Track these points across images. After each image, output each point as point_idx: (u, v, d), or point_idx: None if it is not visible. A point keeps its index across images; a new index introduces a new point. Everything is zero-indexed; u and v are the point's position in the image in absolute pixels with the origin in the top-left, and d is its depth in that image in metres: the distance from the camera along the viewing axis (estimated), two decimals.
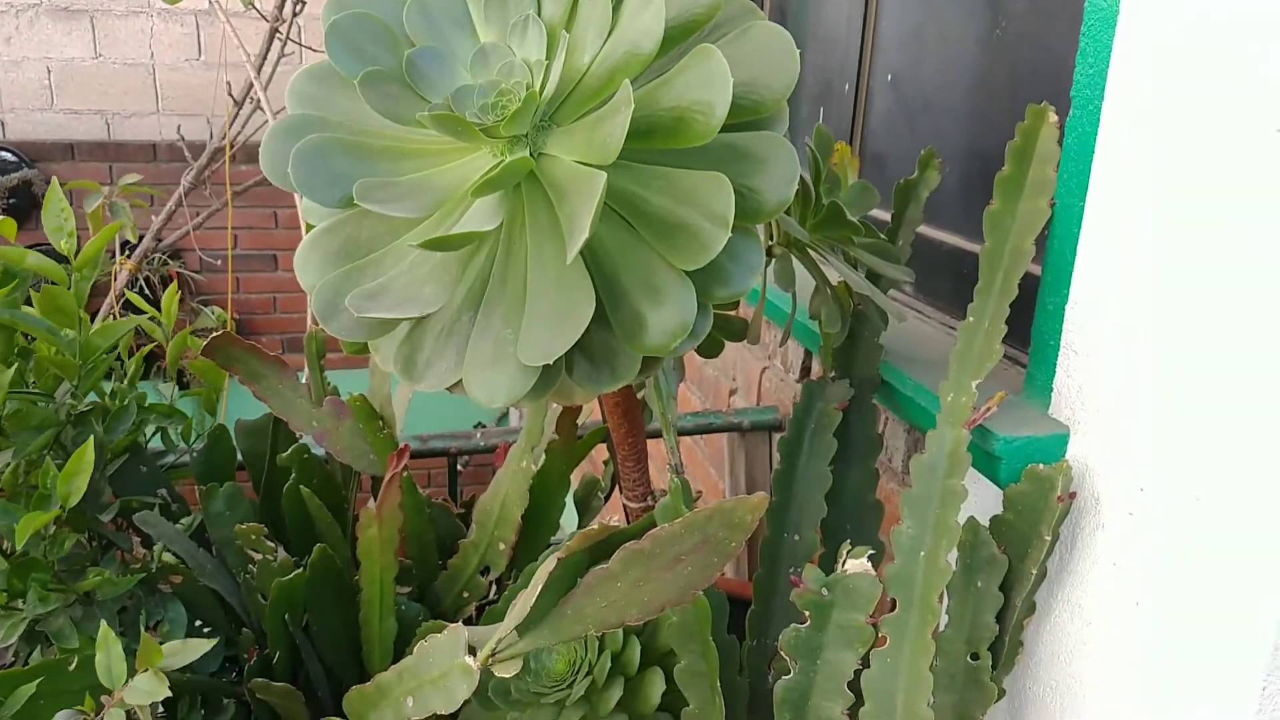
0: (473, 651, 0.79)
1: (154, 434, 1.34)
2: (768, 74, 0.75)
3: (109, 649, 0.92)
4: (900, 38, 1.43)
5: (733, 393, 2.04)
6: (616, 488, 1.23)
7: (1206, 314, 0.75)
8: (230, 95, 2.59)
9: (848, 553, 0.88)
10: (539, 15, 0.77)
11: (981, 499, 0.98)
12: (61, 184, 1.20)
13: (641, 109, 0.74)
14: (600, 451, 1.39)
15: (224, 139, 2.59)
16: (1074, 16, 0.89)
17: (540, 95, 0.75)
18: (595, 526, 0.71)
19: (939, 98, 1.35)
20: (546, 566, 0.73)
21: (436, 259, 0.77)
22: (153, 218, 2.73)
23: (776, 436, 1.64)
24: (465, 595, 1.15)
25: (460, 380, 0.76)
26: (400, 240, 0.79)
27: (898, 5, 1.43)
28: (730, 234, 0.71)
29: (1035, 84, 1.17)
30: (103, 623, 0.94)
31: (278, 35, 2.44)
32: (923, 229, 1.29)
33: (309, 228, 0.85)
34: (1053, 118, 0.90)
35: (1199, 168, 0.75)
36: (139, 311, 1.44)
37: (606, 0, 0.74)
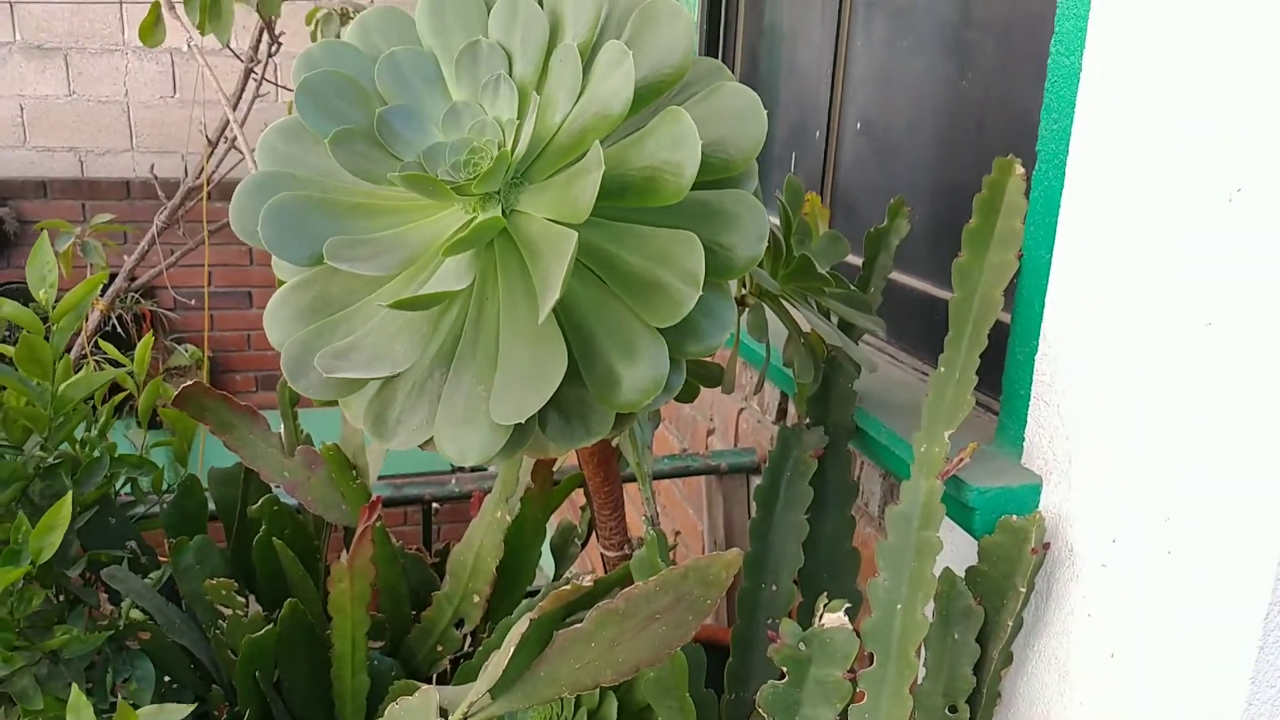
0: (444, 714, 0.78)
1: (124, 484, 1.32)
2: (736, 133, 0.76)
3: (80, 713, 0.90)
4: (869, 86, 1.46)
5: (710, 433, 2.04)
6: (594, 534, 1.22)
7: (1172, 367, 0.76)
8: (205, 135, 2.58)
9: (824, 606, 0.87)
10: (510, 75, 0.78)
11: (957, 548, 0.98)
12: (33, 223, 1.19)
13: (613, 168, 0.74)
14: (578, 493, 1.38)
15: (199, 178, 2.58)
16: (1041, 65, 0.90)
17: (512, 154, 0.76)
18: (569, 586, 0.71)
19: (908, 144, 1.37)
20: (519, 627, 0.72)
21: (407, 316, 0.76)
22: (125, 257, 2.71)
23: (754, 479, 1.64)
24: (439, 649, 1.13)
25: (432, 438, 0.75)
26: (372, 296, 0.78)
27: (866, 54, 1.46)
28: (702, 291, 0.72)
29: (1004, 130, 1.19)
30: (74, 686, 0.92)
31: (253, 75, 2.45)
32: (894, 275, 1.30)
33: (281, 282, 0.85)
34: (1019, 170, 0.91)
35: (1161, 223, 0.77)
36: (113, 357, 1.43)
37: (577, 61, 0.75)
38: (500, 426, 0.72)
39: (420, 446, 0.76)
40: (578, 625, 0.73)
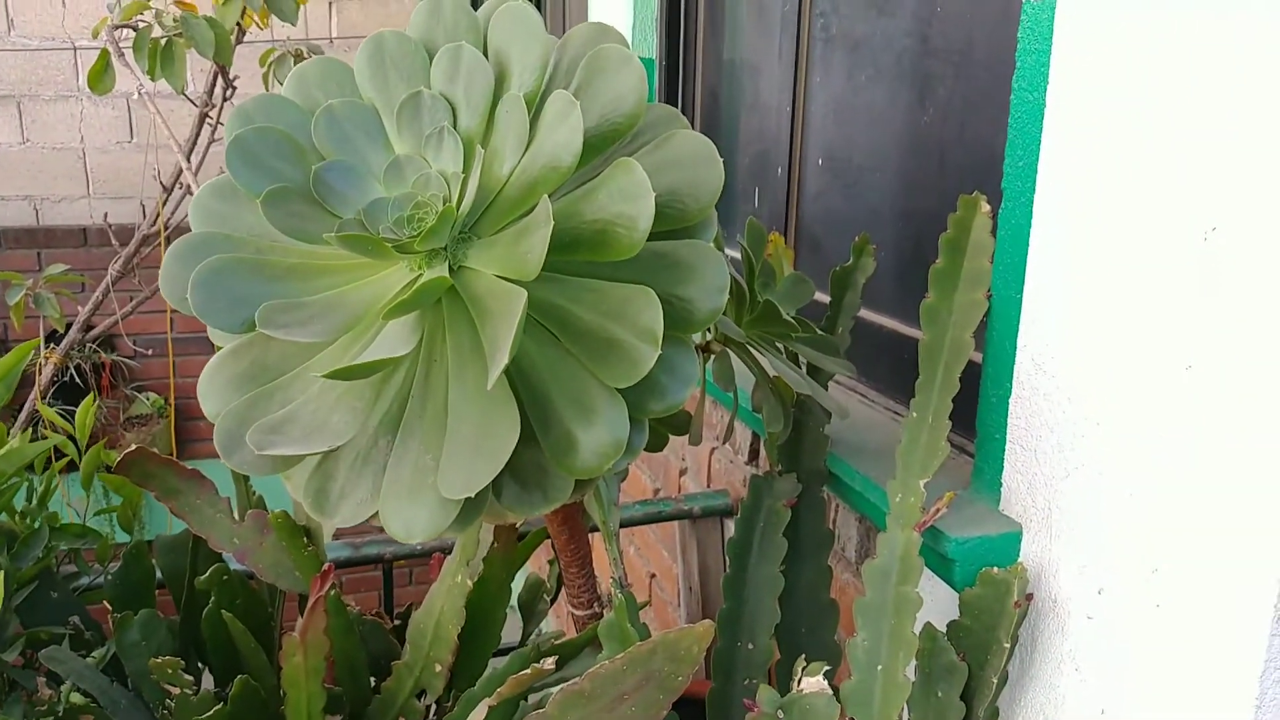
0: None
1: (66, 554, 1.26)
2: (692, 182, 0.73)
3: None
4: (830, 121, 1.44)
5: (683, 473, 2.00)
6: (563, 589, 1.17)
7: (1152, 411, 0.73)
8: (159, 181, 2.53)
9: (803, 670, 0.83)
10: (454, 127, 0.75)
11: (937, 600, 0.94)
12: None
13: (564, 222, 0.71)
14: (548, 542, 1.33)
15: (154, 225, 2.52)
16: (1005, 95, 0.88)
17: (458, 208, 0.72)
18: (529, 671, 0.66)
19: (871, 179, 1.35)
20: (476, 715, 0.67)
21: (348, 383, 0.72)
22: (80, 308, 2.64)
23: (728, 522, 1.60)
24: None
25: (377, 513, 0.71)
26: (311, 363, 0.74)
27: (826, 89, 1.44)
28: (663, 347, 0.68)
29: (968, 162, 1.17)
30: None
31: (208, 119, 2.40)
32: (862, 313, 1.27)
33: (218, 349, 0.80)
34: (985, 208, 0.89)
35: (1135, 263, 0.74)
36: (54, 420, 1.37)
37: (524, 111, 0.71)
38: (450, 500, 0.68)
39: (367, 522, 0.72)
40: (541, 710, 0.69)
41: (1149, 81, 0.72)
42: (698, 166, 0.73)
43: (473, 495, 0.67)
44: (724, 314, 0.99)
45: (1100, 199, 0.77)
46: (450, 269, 0.73)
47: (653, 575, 2.23)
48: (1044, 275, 0.84)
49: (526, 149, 0.71)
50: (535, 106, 0.73)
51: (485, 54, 0.76)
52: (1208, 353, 0.69)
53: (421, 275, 0.73)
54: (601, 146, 0.73)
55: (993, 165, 0.91)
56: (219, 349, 0.80)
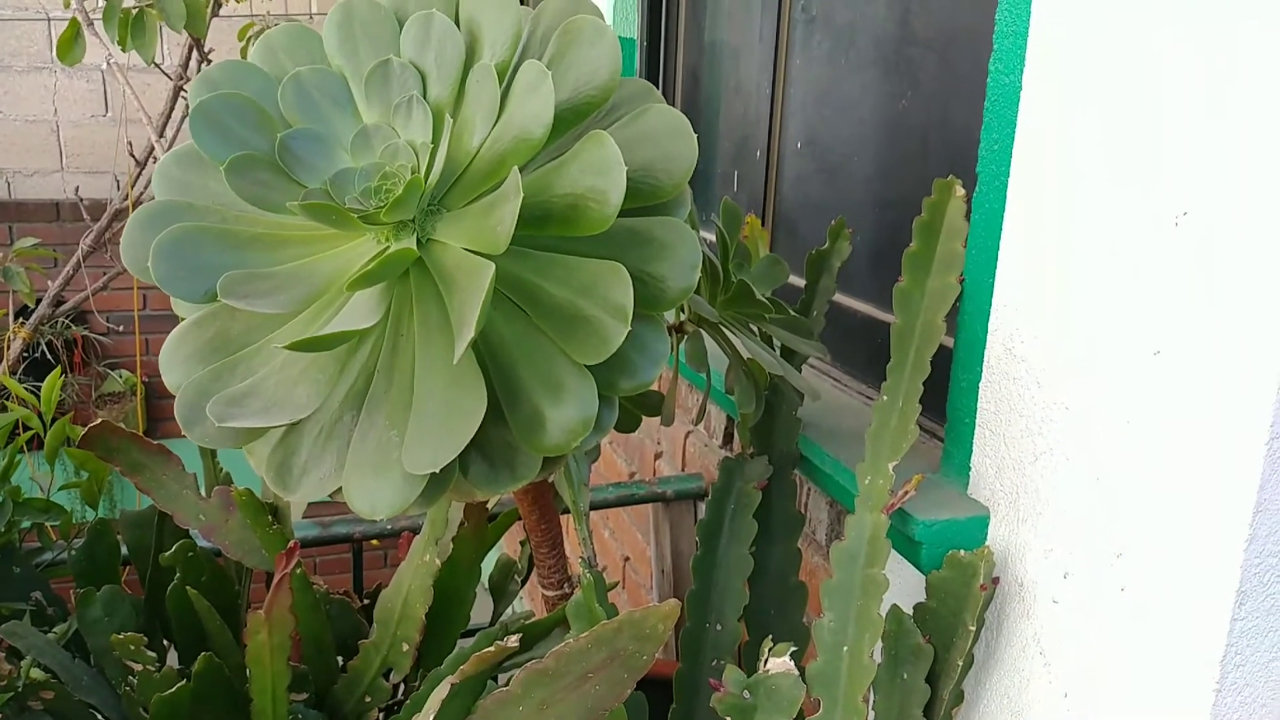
0: None
1: (29, 529, 1.24)
2: (665, 158, 0.72)
3: None
4: (810, 105, 1.43)
5: (658, 456, 1.99)
6: (534, 570, 1.16)
7: (1120, 396, 0.73)
8: (132, 155, 2.49)
9: (769, 650, 0.83)
10: (424, 96, 0.73)
11: (904, 583, 0.95)
12: None
13: (534, 195, 0.70)
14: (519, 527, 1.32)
15: (125, 200, 2.48)
16: (982, 81, 0.88)
17: (426, 179, 0.71)
18: (492, 647, 0.66)
19: (850, 163, 1.34)
20: (439, 693, 0.67)
21: (312, 356, 0.71)
22: (50, 283, 2.60)
23: (702, 505, 1.60)
24: (368, 700, 1.07)
25: (341, 488, 0.70)
26: (274, 335, 0.73)
27: (806, 73, 1.43)
28: (633, 324, 0.67)
29: (946, 148, 1.17)
30: None
31: (182, 93, 2.36)
32: (837, 297, 1.27)
33: (182, 319, 0.79)
34: (960, 191, 0.88)
35: (1106, 247, 0.74)
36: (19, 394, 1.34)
37: (494, 82, 0.70)
38: (415, 475, 0.67)
39: (330, 498, 0.71)
40: (505, 688, 0.68)
41: (1124, 65, 0.72)
42: (672, 141, 0.72)
43: (438, 471, 0.66)
44: (698, 294, 0.99)
45: (1074, 182, 0.77)
46: (418, 241, 0.72)
47: (627, 558, 2.23)
48: (1016, 259, 0.84)
49: (497, 120, 0.70)
50: (507, 77, 0.72)
51: (457, 23, 0.75)
52: (1176, 338, 0.69)
53: (388, 247, 0.72)
54: (574, 120, 0.72)
55: (970, 151, 0.91)
56: (183, 320, 0.79)
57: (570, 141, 0.73)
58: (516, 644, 0.69)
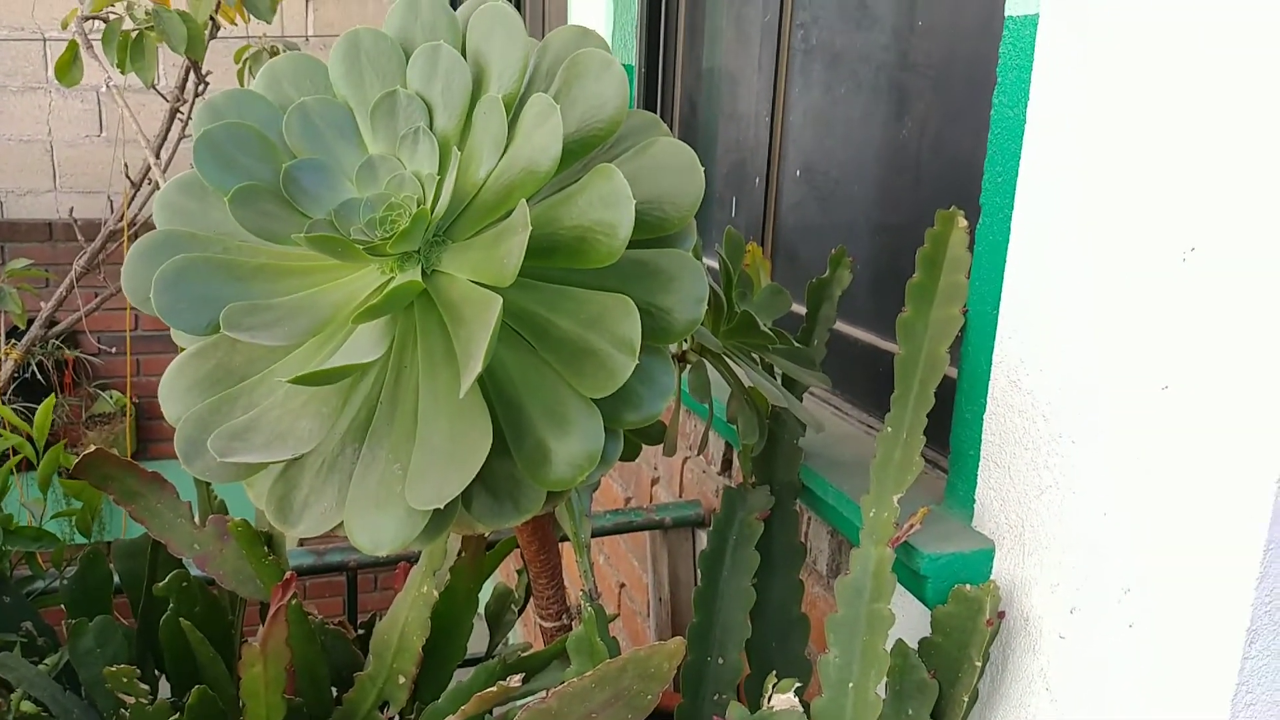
0: None
1: (20, 560, 1.22)
2: (672, 190, 0.72)
3: None
4: (809, 132, 1.43)
5: (655, 482, 1.98)
6: (531, 599, 1.15)
7: (1128, 432, 0.73)
8: (128, 176, 2.48)
9: (774, 686, 0.82)
10: (431, 128, 0.73)
11: (909, 616, 0.94)
12: None
13: (542, 228, 0.69)
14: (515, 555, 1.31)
15: (120, 221, 2.47)
16: (984, 108, 0.88)
17: (432, 210, 0.70)
18: (495, 688, 0.64)
19: (849, 191, 1.35)
20: None
21: (314, 389, 0.70)
22: (42, 304, 2.58)
23: (700, 532, 1.59)
24: None
25: (342, 523, 0.69)
26: (276, 366, 0.72)
27: (804, 100, 1.44)
28: (640, 357, 0.67)
29: (946, 175, 1.17)
30: None
31: (179, 115, 2.36)
32: (838, 325, 1.27)
33: (181, 350, 0.78)
34: (962, 223, 0.88)
35: (1113, 282, 0.74)
36: (12, 421, 1.33)
37: (502, 114, 0.70)
38: (418, 510, 0.66)
39: (331, 532, 0.70)
40: None
41: (1130, 100, 0.72)
42: (679, 174, 0.72)
43: (442, 506, 0.65)
44: (701, 324, 0.98)
45: (1080, 217, 0.77)
46: (423, 273, 0.71)
47: (622, 585, 2.21)
48: (1021, 292, 0.84)
49: (504, 152, 0.70)
50: (514, 109, 0.72)
51: (464, 54, 0.75)
52: (1184, 373, 0.68)
53: (393, 279, 0.71)
54: (581, 152, 0.72)
55: (971, 180, 0.91)
56: (182, 350, 0.78)
57: (577, 173, 0.73)
58: (519, 684, 0.68)
